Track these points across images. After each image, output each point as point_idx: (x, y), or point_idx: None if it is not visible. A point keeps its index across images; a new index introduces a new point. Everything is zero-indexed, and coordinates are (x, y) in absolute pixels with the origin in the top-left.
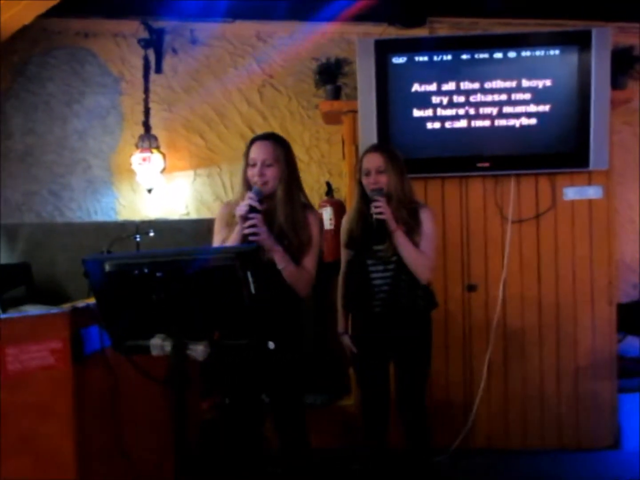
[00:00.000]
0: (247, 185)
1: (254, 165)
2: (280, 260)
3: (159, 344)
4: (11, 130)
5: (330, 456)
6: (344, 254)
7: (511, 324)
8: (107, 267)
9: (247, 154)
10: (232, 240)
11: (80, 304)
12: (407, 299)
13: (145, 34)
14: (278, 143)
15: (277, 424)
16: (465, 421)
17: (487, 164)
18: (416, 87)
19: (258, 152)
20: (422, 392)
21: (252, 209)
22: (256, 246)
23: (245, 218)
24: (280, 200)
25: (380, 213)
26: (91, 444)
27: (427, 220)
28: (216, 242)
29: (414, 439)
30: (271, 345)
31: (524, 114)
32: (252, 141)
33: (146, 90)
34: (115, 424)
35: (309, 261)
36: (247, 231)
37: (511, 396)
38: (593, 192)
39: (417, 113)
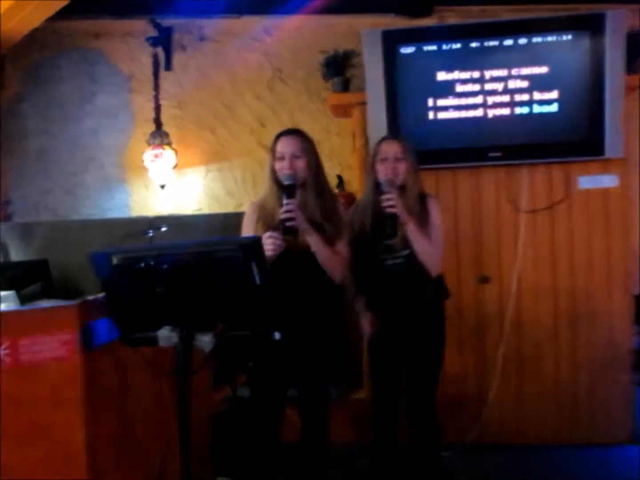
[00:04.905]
0: (275, 179)
1: (281, 158)
2: (315, 243)
3: (166, 336)
4: (26, 131)
5: (341, 450)
6: (352, 245)
7: (525, 316)
8: (114, 261)
9: (273, 150)
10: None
11: (91, 297)
12: (419, 292)
13: (154, 33)
14: (303, 137)
15: (304, 416)
16: (478, 416)
17: (499, 154)
18: (425, 77)
19: (286, 146)
20: (433, 387)
21: (290, 189)
22: (259, 237)
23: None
24: (311, 190)
25: (391, 207)
26: (100, 433)
27: (435, 211)
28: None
29: (423, 435)
30: (277, 336)
31: (536, 102)
32: (278, 136)
33: (156, 88)
34: (123, 414)
35: (342, 246)
36: (283, 216)
37: (525, 390)
38: (608, 181)
39: (427, 103)
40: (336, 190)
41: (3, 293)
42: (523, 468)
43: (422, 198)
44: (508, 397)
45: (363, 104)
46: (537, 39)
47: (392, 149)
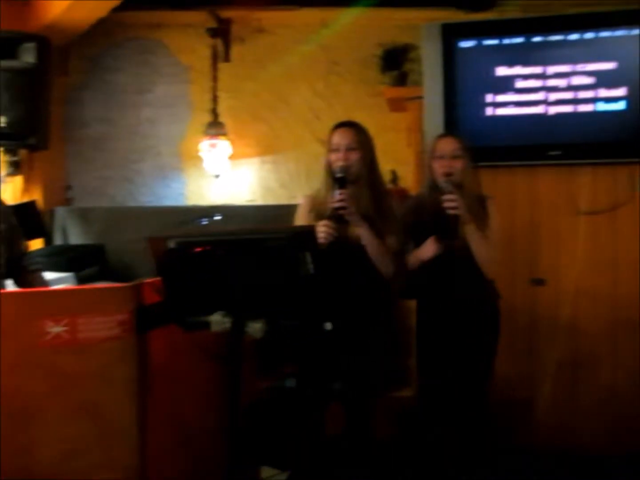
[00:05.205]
0: (329, 171)
1: (336, 150)
2: (366, 236)
3: (219, 321)
4: (87, 118)
5: (385, 446)
6: (406, 240)
7: (582, 322)
8: (169, 245)
9: (329, 141)
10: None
11: (147, 280)
12: (474, 292)
13: (213, 24)
14: (360, 129)
15: (348, 410)
16: (527, 419)
17: (559, 152)
18: (485, 72)
19: (341, 137)
20: (484, 388)
21: (342, 180)
22: (313, 227)
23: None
24: (364, 184)
25: (454, 207)
26: (150, 413)
27: (494, 212)
28: None
29: (471, 436)
30: (328, 326)
31: (602, 100)
32: (335, 128)
33: (214, 79)
34: (174, 396)
35: (393, 241)
36: (335, 205)
37: (579, 397)
38: None
39: (485, 99)
40: (390, 186)
41: (62, 274)
42: (568, 474)
43: (481, 199)
44: (560, 403)
45: (419, 98)
46: (604, 34)
47: (448, 146)
